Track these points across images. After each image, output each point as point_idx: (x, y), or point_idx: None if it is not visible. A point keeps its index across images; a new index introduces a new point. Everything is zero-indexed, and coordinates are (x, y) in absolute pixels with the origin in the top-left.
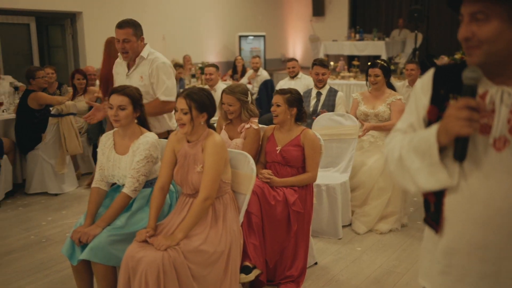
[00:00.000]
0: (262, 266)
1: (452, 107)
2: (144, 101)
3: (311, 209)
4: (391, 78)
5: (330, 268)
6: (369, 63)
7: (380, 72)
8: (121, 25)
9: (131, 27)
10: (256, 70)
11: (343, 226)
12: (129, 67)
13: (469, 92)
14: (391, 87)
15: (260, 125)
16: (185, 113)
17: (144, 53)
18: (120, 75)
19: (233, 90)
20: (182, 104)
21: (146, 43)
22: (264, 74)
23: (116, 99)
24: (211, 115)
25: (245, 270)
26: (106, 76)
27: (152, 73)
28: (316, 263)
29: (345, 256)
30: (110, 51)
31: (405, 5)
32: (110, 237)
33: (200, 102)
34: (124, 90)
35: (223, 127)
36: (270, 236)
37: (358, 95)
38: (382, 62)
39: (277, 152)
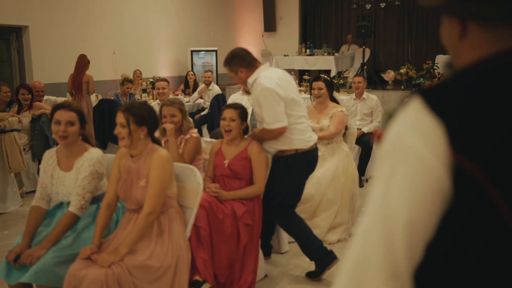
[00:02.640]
0: (212, 280)
1: None
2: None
3: (260, 222)
4: (334, 92)
5: (280, 280)
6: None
7: (324, 85)
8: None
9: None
10: (208, 84)
11: (290, 242)
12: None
13: None
14: (334, 101)
15: (212, 139)
16: (123, 127)
17: (250, 79)
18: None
19: (173, 102)
20: (120, 118)
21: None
22: (216, 89)
23: (65, 115)
24: (151, 129)
25: (195, 284)
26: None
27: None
28: (266, 276)
29: (295, 267)
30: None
31: (353, 21)
32: (55, 258)
33: (139, 116)
34: (71, 106)
35: (162, 144)
36: (218, 250)
37: None
38: (326, 76)
39: (225, 165)
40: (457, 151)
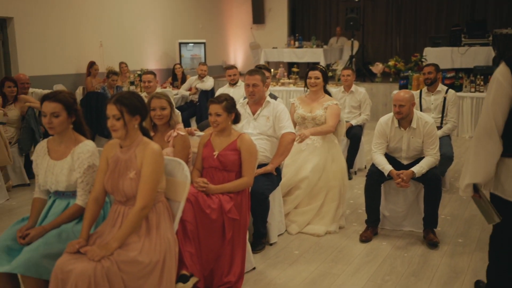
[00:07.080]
0: (199, 273)
1: None
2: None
3: (247, 215)
4: (328, 84)
5: (268, 272)
6: (307, 69)
7: (320, 75)
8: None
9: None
10: (202, 77)
11: (280, 235)
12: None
13: None
14: (327, 93)
15: (201, 133)
16: (118, 119)
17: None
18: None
19: (162, 94)
20: (113, 110)
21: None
22: (210, 82)
23: (49, 106)
24: (144, 117)
25: (182, 278)
26: None
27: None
28: (254, 268)
29: (283, 260)
30: None
31: (342, 13)
32: (45, 250)
33: (132, 106)
34: (56, 96)
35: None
36: (205, 244)
37: (296, 100)
38: (322, 67)
39: (215, 157)
40: None
